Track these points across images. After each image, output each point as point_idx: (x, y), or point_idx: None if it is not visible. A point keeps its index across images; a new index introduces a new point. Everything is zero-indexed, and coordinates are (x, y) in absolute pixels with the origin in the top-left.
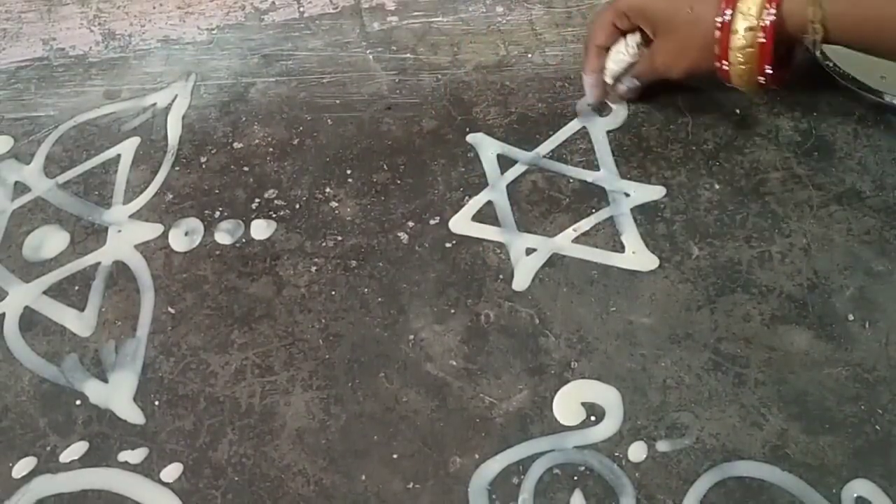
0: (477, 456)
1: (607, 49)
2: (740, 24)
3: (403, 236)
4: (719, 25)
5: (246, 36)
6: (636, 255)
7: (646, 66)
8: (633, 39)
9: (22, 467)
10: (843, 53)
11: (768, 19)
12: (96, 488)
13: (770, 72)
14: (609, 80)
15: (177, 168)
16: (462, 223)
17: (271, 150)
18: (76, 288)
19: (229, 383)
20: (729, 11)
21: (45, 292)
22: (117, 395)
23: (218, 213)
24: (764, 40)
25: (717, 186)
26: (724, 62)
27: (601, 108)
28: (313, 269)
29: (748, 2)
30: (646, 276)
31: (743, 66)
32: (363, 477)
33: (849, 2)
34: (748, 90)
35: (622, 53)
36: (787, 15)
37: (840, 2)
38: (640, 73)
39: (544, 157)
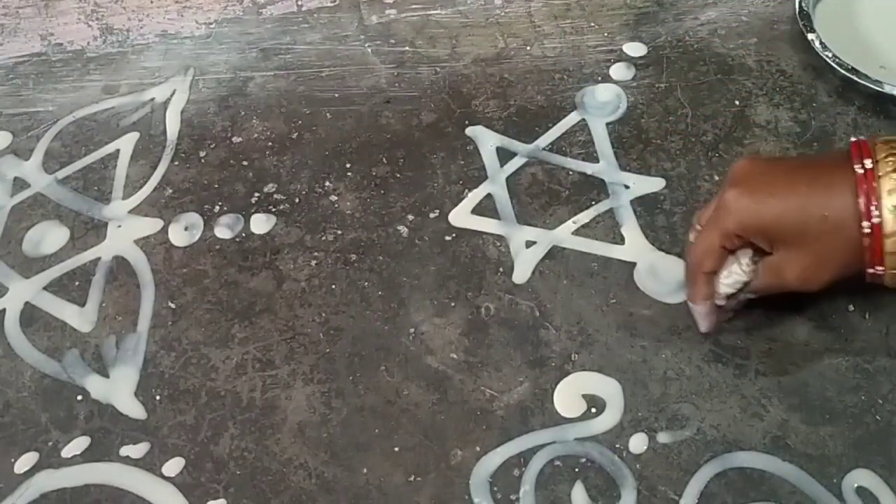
0: (478, 448)
1: (716, 272)
2: (893, 227)
3: (403, 230)
4: (867, 231)
5: (244, 30)
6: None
7: (771, 281)
8: (746, 256)
9: (24, 462)
10: (842, 43)
11: None
12: (98, 483)
13: None
14: (721, 303)
15: (176, 163)
16: (462, 216)
17: (270, 144)
18: (76, 283)
19: (230, 377)
20: (876, 213)
21: (45, 288)
22: (118, 390)
23: (217, 208)
24: None
25: (716, 178)
26: (878, 268)
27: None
28: (313, 263)
29: (893, 199)
30: None
31: None
32: (364, 470)
33: None
34: None
35: (737, 274)
36: None
37: None
38: (763, 288)
39: (543, 149)
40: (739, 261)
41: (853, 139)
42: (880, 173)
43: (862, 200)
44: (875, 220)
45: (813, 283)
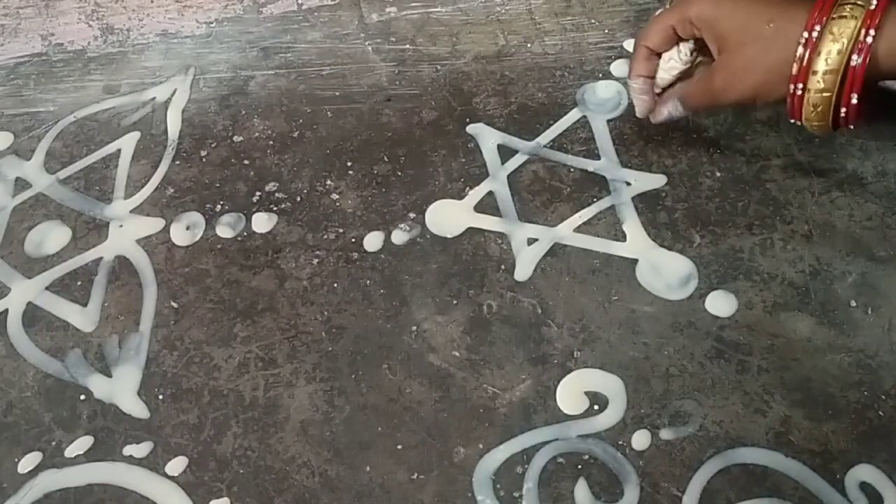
0: (481, 446)
1: (658, 55)
2: (828, 46)
3: (405, 227)
4: (803, 42)
5: (244, 29)
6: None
7: (700, 85)
8: (687, 46)
9: (28, 462)
10: None
11: (867, 40)
12: (102, 482)
13: (855, 102)
14: (658, 90)
15: (177, 162)
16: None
17: (271, 142)
18: (78, 283)
19: (233, 376)
20: (818, 28)
21: (47, 288)
22: (121, 389)
23: (219, 207)
24: (857, 63)
25: (718, 174)
26: (799, 85)
27: (648, 116)
28: (315, 261)
29: (841, 24)
30: None
31: (822, 94)
32: (367, 468)
33: None
34: (817, 126)
35: (675, 61)
36: (886, 45)
37: None
38: (691, 93)
39: (545, 146)
40: (680, 49)
41: None
42: (839, 2)
43: (813, 15)
44: (814, 34)
45: (731, 92)
